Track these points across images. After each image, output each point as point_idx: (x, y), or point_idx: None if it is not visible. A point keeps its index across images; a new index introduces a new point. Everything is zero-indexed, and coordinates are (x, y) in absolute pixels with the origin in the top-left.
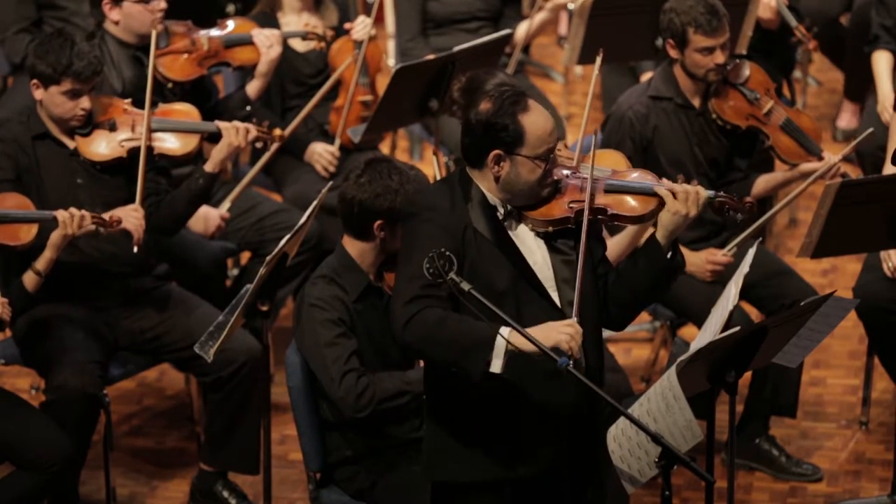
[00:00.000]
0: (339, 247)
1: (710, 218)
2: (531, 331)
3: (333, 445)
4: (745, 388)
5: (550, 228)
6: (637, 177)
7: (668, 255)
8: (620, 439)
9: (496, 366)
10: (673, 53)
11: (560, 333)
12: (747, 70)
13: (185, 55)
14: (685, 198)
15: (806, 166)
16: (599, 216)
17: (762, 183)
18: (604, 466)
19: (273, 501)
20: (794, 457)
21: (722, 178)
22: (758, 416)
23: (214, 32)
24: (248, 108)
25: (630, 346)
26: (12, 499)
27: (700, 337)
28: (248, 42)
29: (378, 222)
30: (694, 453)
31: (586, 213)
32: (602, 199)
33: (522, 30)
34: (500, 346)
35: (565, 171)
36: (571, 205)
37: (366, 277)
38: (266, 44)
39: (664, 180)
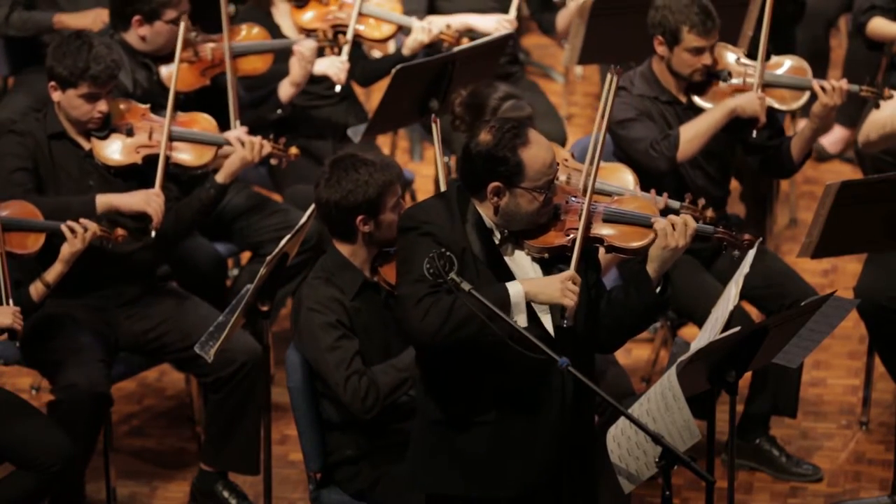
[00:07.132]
0: (331, 248)
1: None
2: (536, 283)
3: (333, 445)
4: (746, 389)
5: (547, 255)
6: (637, 207)
7: (659, 289)
8: (620, 439)
9: (521, 320)
10: (660, 50)
11: (564, 295)
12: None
13: (187, 65)
14: (674, 231)
15: (817, 105)
16: (596, 245)
17: (796, 145)
18: (599, 483)
19: (273, 501)
20: (794, 457)
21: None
22: (758, 416)
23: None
24: (279, 111)
25: (630, 346)
26: (12, 499)
27: (700, 337)
28: (256, 52)
29: (359, 217)
30: (694, 453)
31: (578, 244)
32: (600, 230)
33: (563, 16)
34: (518, 299)
35: (565, 197)
36: (569, 233)
37: (360, 275)
38: (308, 57)
39: (661, 197)
